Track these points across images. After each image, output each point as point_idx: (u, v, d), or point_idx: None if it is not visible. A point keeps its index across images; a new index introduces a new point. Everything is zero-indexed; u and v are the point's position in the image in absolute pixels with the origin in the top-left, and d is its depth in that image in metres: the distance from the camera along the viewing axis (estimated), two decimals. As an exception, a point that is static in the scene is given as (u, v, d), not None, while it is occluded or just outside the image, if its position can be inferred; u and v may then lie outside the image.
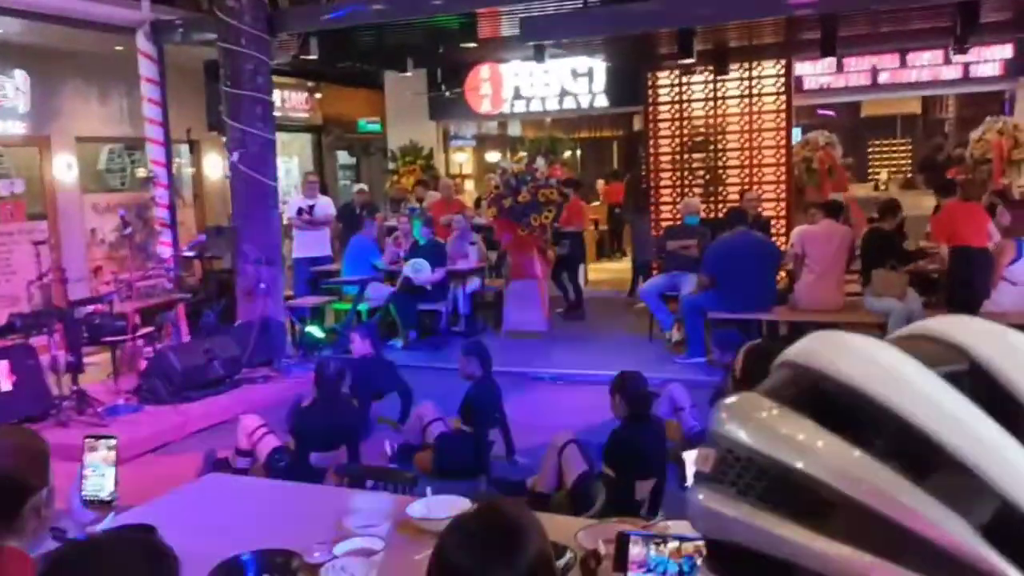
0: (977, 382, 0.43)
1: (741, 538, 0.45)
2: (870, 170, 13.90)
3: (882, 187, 12.16)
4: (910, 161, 13.79)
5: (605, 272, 11.90)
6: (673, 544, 1.77)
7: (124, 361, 6.61)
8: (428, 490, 2.50)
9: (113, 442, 2.11)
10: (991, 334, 0.45)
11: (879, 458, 0.42)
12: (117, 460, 2.08)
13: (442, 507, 2.34)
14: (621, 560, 1.81)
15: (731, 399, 0.50)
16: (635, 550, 1.81)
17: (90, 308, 6.50)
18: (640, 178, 10.59)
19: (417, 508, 2.40)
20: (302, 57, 8.36)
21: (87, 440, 2.10)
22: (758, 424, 0.46)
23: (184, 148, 9.97)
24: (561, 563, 1.91)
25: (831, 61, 10.08)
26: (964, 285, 6.23)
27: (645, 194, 10.28)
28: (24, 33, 7.69)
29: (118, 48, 8.17)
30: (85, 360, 6.32)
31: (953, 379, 0.43)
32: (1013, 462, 0.40)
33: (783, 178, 9.90)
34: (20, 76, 8.19)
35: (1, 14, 7.02)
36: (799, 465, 0.43)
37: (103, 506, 2.04)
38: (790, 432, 0.45)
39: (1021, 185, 8.76)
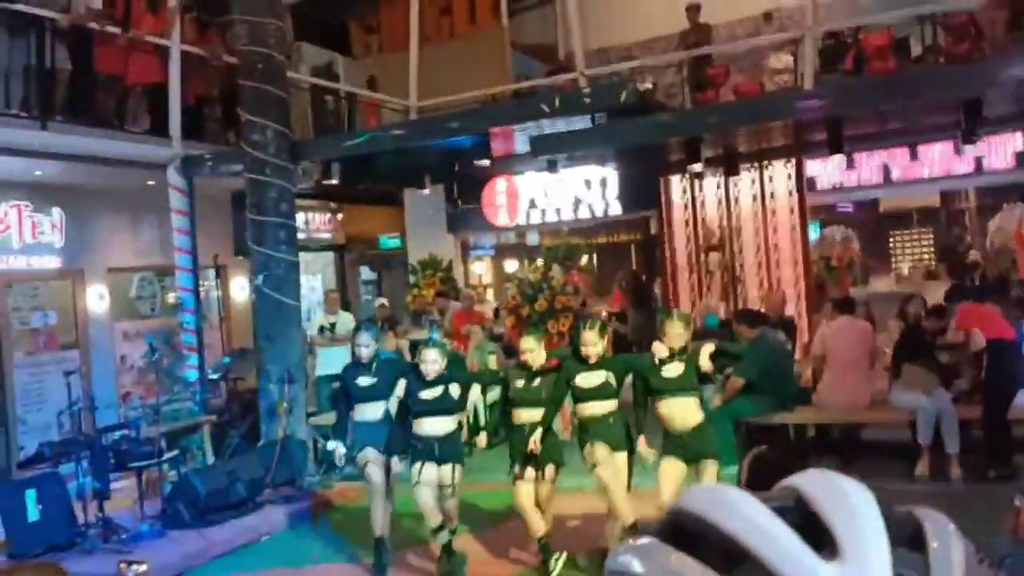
0: (799, 511, 0.58)
1: None
2: (892, 262, 13.83)
3: (904, 279, 12.07)
4: (932, 251, 13.71)
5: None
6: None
7: (150, 486, 6.63)
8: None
9: (144, 568, 2.15)
10: (823, 480, 0.60)
11: (699, 560, 0.56)
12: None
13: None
14: None
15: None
16: None
17: (117, 434, 6.58)
18: (636, 275, 11.20)
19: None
20: (324, 182, 8.69)
21: (120, 566, 2.16)
22: (618, 552, 0.62)
23: (211, 272, 10.27)
24: None
25: (842, 159, 10.15)
26: (998, 377, 6.17)
27: (644, 289, 10.66)
28: (62, 174, 8.05)
29: (150, 183, 8.52)
30: (112, 486, 6.37)
31: (780, 510, 0.58)
32: (794, 557, 0.54)
33: (801, 276, 9.90)
34: (57, 213, 8.51)
35: (45, 158, 7.45)
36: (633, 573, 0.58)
37: None
38: (637, 551, 0.60)
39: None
